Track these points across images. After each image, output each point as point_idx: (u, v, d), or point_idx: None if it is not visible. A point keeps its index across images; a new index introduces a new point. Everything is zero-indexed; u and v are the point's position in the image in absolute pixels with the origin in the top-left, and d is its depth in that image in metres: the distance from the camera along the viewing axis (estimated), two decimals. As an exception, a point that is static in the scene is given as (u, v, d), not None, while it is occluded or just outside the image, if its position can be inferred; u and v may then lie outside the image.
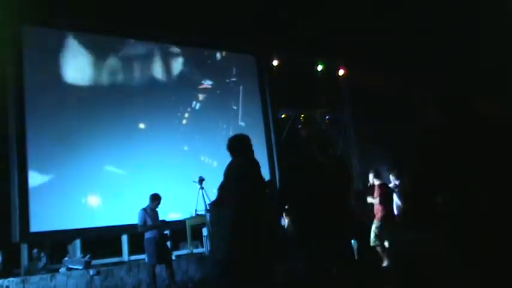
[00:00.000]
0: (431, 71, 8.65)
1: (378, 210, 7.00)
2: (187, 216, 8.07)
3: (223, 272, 4.62)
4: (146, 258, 6.85)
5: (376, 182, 7.16)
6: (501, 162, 2.03)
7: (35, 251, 7.51)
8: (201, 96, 9.89)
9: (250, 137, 4.53)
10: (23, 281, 6.48)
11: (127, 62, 9.17)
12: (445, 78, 8.07)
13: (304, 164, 4.97)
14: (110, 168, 8.42)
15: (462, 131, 2.04)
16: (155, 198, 6.87)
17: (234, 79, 10.48)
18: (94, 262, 7.53)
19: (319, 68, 11.54)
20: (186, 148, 9.43)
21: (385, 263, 6.81)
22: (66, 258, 7.48)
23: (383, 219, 6.91)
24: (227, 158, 5.10)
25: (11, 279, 6.51)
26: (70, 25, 8.57)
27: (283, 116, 11.30)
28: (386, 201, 7.03)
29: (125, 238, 8.32)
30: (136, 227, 6.82)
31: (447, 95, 2.26)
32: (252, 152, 4.40)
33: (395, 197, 7.42)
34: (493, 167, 2.03)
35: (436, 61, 8.75)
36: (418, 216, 2.20)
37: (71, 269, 7.11)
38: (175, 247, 8.51)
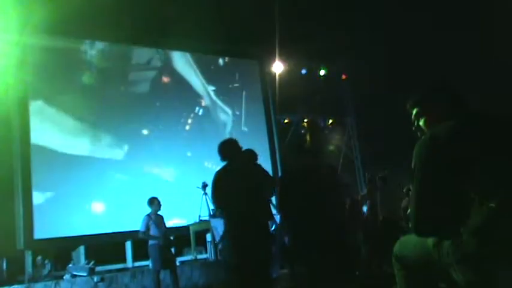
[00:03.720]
0: (434, 72, 8.63)
1: None
2: (191, 222, 8.06)
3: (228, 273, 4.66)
4: (150, 264, 6.84)
5: None
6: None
7: (39, 257, 7.51)
8: (204, 102, 9.91)
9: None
10: (27, 288, 6.49)
11: (130, 68, 9.22)
12: (447, 79, 8.05)
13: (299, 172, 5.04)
14: (113, 174, 8.43)
15: (466, 130, 2.01)
16: (152, 202, 6.81)
17: (236, 84, 10.50)
18: (98, 269, 7.52)
19: (322, 72, 11.55)
20: (189, 154, 9.44)
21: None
22: (70, 265, 7.48)
23: None
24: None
25: (15, 286, 6.51)
26: (73, 31, 8.61)
27: (286, 120, 11.31)
28: None
29: (128, 244, 8.32)
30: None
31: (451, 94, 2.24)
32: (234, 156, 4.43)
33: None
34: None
35: (438, 62, 8.74)
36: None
37: (75, 275, 7.11)
38: (179, 253, 8.50)
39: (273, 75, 10.86)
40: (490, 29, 8.06)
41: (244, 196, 4.24)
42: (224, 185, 4.36)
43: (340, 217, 4.83)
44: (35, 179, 7.65)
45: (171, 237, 7.18)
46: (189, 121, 9.63)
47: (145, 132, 9.05)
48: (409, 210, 2.06)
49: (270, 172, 9.94)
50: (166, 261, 6.64)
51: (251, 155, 5.11)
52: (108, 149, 8.45)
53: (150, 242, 6.67)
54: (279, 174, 10.13)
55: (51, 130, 8.04)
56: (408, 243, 2.17)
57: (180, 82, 9.74)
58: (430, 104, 2.19)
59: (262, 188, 4.42)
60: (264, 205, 4.52)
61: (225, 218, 4.60)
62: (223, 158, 4.47)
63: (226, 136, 9.83)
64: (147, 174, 8.63)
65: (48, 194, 7.72)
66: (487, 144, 1.92)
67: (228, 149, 4.50)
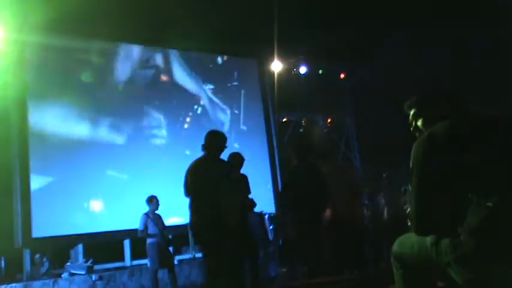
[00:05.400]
0: (434, 73, 8.65)
1: None
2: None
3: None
4: (148, 263, 6.84)
5: None
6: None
7: (38, 256, 7.51)
8: (202, 101, 9.91)
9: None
10: (25, 286, 6.49)
11: (129, 67, 9.20)
12: (447, 80, 8.08)
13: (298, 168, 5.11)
14: (112, 172, 8.42)
15: (463, 132, 2.02)
16: (151, 200, 6.86)
17: (235, 83, 10.49)
18: (96, 267, 7.52)
19: (321, 71, 11.55)
20: (188, 152, 9.41)
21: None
22: (68, 264, 7.48)
23: None
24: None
25: (13, 284, 6.51)
26: (72, 30, 8.59)
27: (284, 119, 11.31)
28: None
29: (127, 243, 8.31)
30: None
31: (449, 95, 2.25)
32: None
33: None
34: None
35: (438, 62, 8.74)
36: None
37: (73, 274, 7.11)
38: (178, 251, 8.51)
39: (272, 74, 10.84)
40: (490, 30, 8.07)
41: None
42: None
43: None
44: (33, 177, 7.64)
45: (170, 236, 7.19)
46: (188, 120, 9.62)
47: (144, 131, 9.04)
48: (408, 210, 2.07)
49: (269, 171, 9.97)
50: (164, 260, 6.65)
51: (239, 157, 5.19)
52: (106, 148, 8.44)
53: (148, 240, 6.68)
54: (278, 173, 10.14)
55: (49, 130, 8.01)
56: (407, 241, 2.18)
57: (178, 81, 9.72)
58: (428, 104, 2.20)
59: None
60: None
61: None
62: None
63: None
64: (145, 173, 8.61)
65: (47, 193, 7.71)
66: (484, 144, 1.93)
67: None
